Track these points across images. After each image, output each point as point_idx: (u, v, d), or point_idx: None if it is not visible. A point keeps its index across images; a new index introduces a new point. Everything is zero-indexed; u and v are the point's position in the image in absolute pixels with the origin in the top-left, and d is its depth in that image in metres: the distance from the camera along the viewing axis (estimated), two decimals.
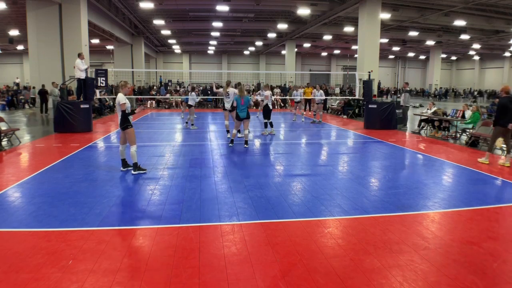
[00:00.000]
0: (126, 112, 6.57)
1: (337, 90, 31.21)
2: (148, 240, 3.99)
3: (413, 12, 23.33)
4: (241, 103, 9.31)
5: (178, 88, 31.26)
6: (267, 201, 5.25)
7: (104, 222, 4.42)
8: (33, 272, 3.25)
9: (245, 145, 9.58)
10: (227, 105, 10.80)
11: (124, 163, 6.99)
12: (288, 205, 5.11)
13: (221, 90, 10.94)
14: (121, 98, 6.54)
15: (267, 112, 11.92)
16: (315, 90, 15.67)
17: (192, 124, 13.58)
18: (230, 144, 9.69)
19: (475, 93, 41.39)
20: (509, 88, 7.87)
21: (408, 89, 16.76)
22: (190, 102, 13.54)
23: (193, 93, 13.77)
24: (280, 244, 3.89)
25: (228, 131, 11.07)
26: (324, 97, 15.49)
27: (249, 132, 10.37)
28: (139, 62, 34.08)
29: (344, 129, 14.10)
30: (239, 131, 10.99)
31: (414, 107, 23.24)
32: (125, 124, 6.60)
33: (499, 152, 8.45)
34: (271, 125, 12.01)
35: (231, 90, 10.68)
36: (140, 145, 8.57)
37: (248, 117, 9.47)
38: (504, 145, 8.24)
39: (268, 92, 12.10)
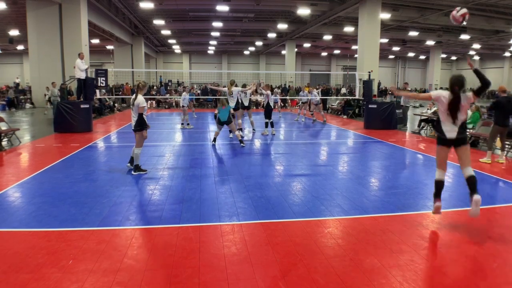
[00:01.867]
0: (144, 115, 6.59)
1: (343, 90, 30.99)
2: (148, 240, 3.99)
3: (413, 12, 23.32)
4: (223, 107, 9.37)
5: (178, 88, 31.24)
6: (267, 201, 5.25)
7: (104, 222, 4.42)
8: (33, 272, 3.25)
9: (242, 145, 9.62)
10: (231, 104, 10.85)
11: (132, 161, 7.02)
12: (288, 205, 5.11)
13: (224, 88, 11.08)
14: (141, 100, 6.53)
15: (268, 112, 11.90)
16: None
17: (188, 124, 13.85)
18: (242, 145, 9.65)
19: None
20: (505, 88, 8.17)
21: (409, 89, 16.76)
22: (183, 103, 13.82)
23: (186, 94, 14.11)
24: (280, 244, 3.89)
25: (240, 129, 11.10)
26: (318, 97, 15.55)
27: (241, 131, 10.46)
28: (139, 62, 34.06)
29: (344, 129, 14.10)
30: (230, 131, 11.19)
31: (414, 107, 23.25)
32: (139, 126, 6.62)
33: (499, 152, 8.45)
34: (272, 125, 12.00)
35: (235, 89, 10.85)
36: None
37: (230, 121, 9.55)
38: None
39: (268, 92, 12.11)
